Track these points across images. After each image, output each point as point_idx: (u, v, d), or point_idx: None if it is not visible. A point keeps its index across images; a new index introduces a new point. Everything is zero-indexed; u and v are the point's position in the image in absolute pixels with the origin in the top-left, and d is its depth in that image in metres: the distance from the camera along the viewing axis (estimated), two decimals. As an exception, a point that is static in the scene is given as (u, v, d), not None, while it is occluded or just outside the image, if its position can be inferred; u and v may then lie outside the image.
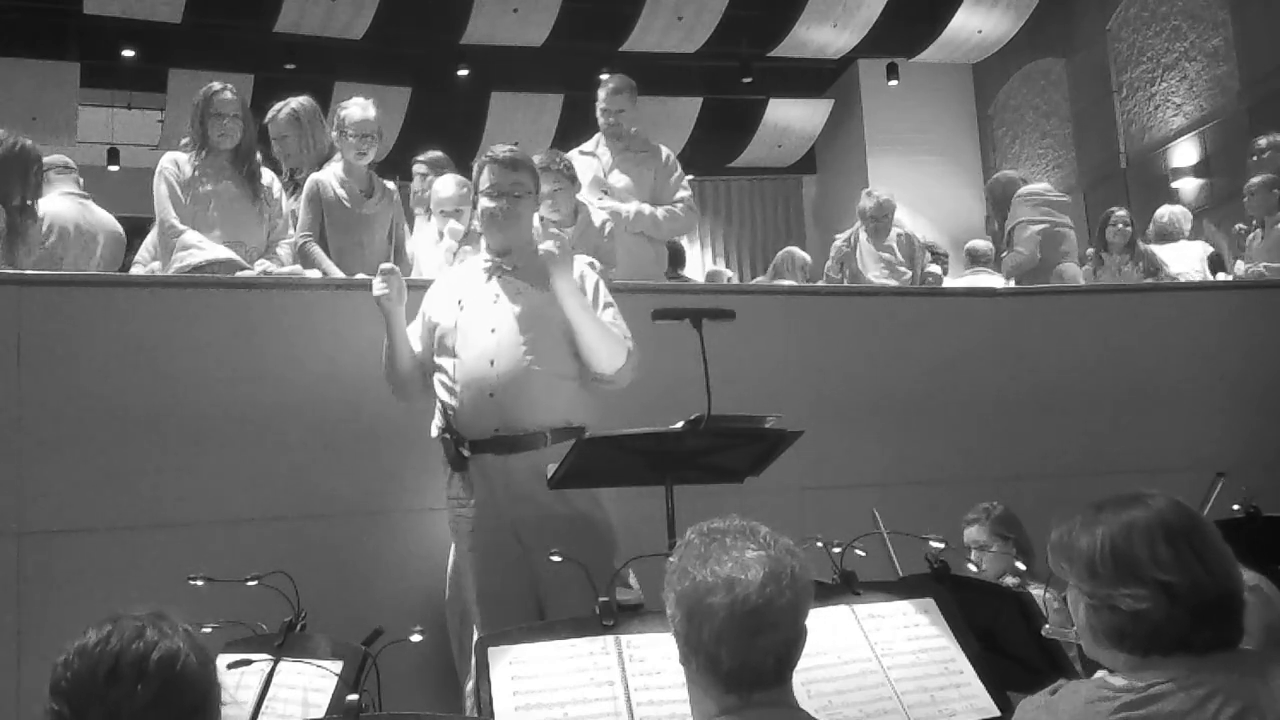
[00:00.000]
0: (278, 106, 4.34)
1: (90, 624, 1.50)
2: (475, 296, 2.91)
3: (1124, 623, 1.51)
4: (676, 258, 6.83)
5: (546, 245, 2.87)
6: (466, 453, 2.78)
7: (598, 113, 4.74)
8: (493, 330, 2.83)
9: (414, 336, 3.00)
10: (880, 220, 5.80)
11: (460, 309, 2.88)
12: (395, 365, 2.94)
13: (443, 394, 2.86)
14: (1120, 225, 5.84)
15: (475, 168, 3.03)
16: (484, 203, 2.91)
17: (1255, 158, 5.62)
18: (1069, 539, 1.59)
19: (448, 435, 2.80)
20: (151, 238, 4.40)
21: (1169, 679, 1.46)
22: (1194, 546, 1.51)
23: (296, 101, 4.35)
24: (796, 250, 6.59)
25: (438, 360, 2.89)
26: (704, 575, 1.55)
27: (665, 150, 4.77)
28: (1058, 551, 1.62)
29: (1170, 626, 1.48)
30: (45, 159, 4.72)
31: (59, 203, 4.41)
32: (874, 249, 5.82)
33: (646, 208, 4.56)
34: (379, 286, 2.88)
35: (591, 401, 2.94)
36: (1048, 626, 2.10)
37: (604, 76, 4.79)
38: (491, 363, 2.79)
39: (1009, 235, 5.75)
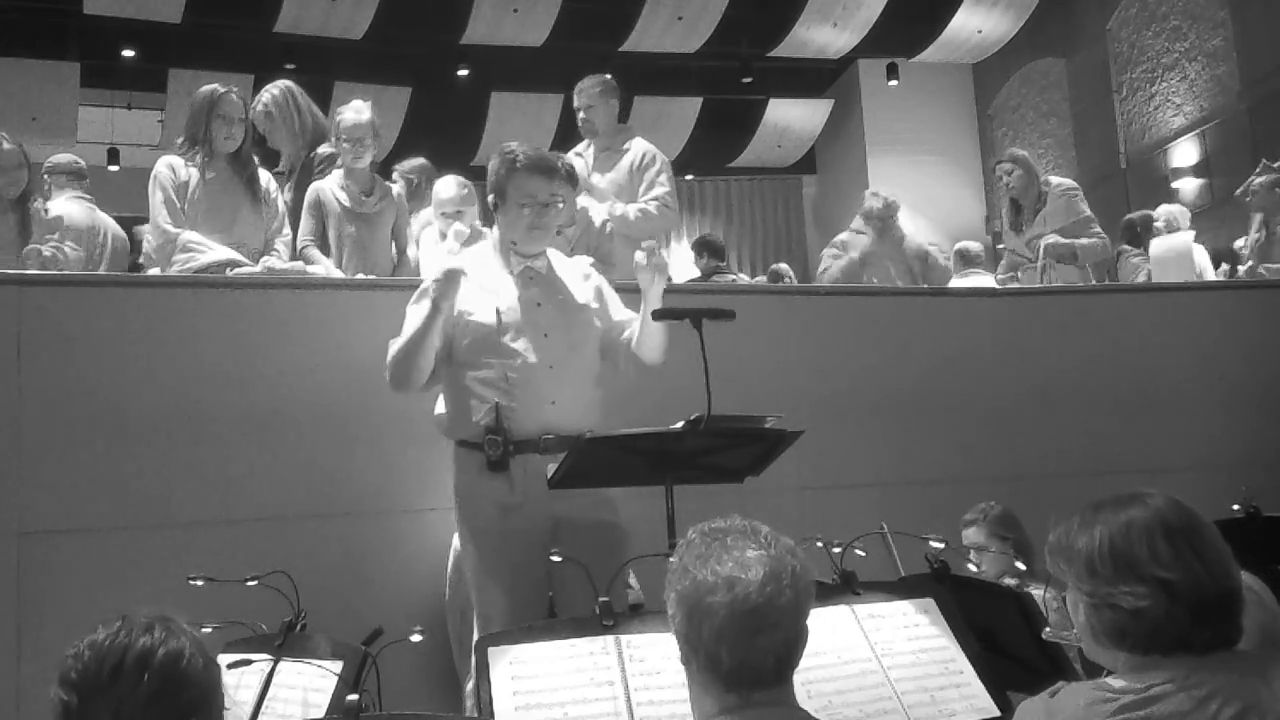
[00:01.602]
0: (253, 104, 4.25)
1: (101, 622, 1.56)
2: (519, 300, 2.88)
3: (1124, 621, 1.51)
4: (716, 251, 6.78)
5: (640, 259, 2.86)
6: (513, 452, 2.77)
7: None
8: (546, 335, 2.85)
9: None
10: (886, 221, 5.75)
11: (503, 310, 2.85)
12: (420, 357, 2.83)
13: (488, 393, 2.79)
14: (1159, 224, 6.03)
15: (500, 168, 2.92)
16: (528, 214, 2.87)
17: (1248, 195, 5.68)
18: (1067, 539, 1.59)
19: (495, 436, 2.76)
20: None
21: (1168, 679, 1.46)
22: (1193, 544, 1.51)
23: (268, 95, 4.31)
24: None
25: (477, 359, 2.83)
26: (704, 574, 1.55)
27: (643, 146, 4.67)
28: (1056, 552, 1.62)
29: (1170, 625, 1.48)
30: (56, 159, 4.80)
31: (69, 205, 4.48)
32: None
33: (619, 206, 4.48)
34: (442, 282, 2.77)
35: (607, 398, 2.98)
36: (1048, 629, 2.09)
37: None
38: (551, 367, 2.82)
39: (1076, 225, 5.48)
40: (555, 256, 3.05)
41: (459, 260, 2.81)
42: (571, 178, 3.97)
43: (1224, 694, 1.43)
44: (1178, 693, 1.44)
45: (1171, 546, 1.50)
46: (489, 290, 2.88)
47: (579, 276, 3.04)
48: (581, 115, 4.67)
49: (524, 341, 2.82)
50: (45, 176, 4.66)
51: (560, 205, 2.97)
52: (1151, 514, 1.54)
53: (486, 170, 3.01)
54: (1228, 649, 1.50)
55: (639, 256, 2.86)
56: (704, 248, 6.83)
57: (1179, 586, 1.48)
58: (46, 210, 3.95)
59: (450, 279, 2.76)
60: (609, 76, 4.74)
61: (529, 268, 2.93)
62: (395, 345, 2.86)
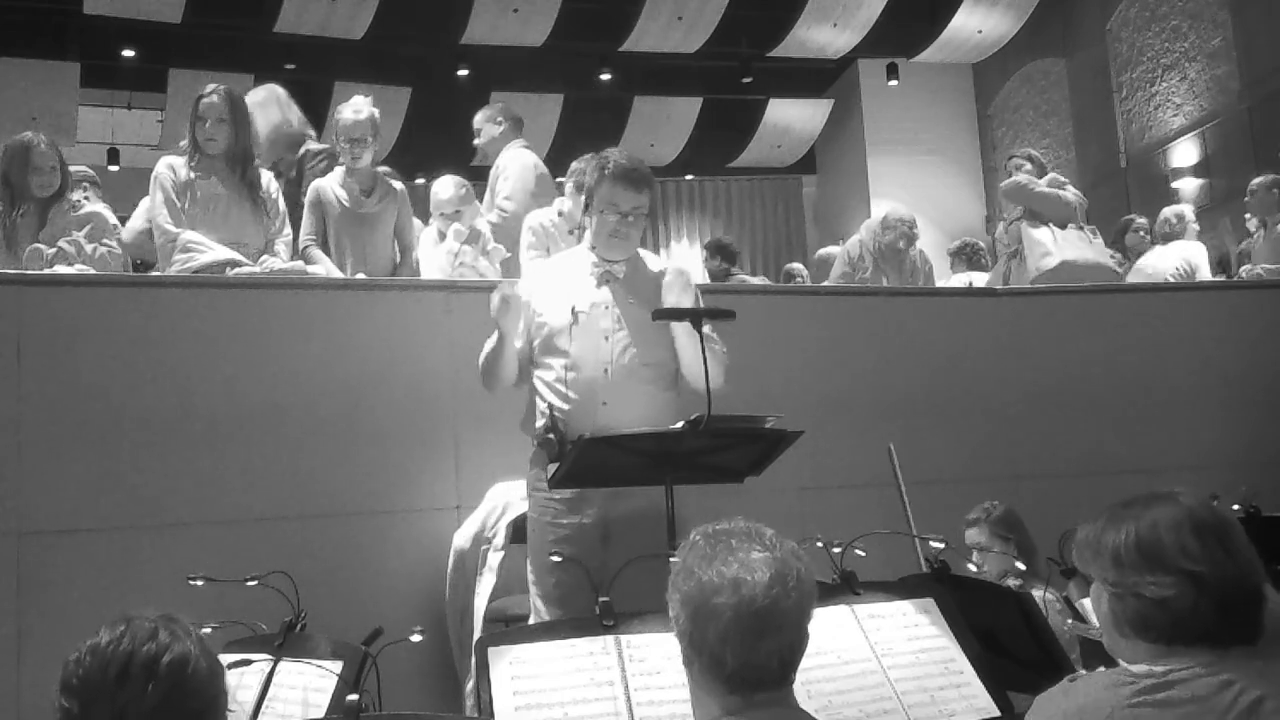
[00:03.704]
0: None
1: (104, 623, 1.51)
2: (588, 301, 2.90)
3: (1148, 610, 1.50)
4: (728, 255, 6.76)
5: (675, 271, 2.92)
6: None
7: None
8: (607, 339, 2.86)
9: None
10: (907, 247, 5.69)
11: (573, 312, 2.87)
12: (500, 367, 2.90)
13: (548, 394, 2.85)
14: (1141, 233, 6.03)
15: (592, 172, 2.94)
16: (610, 221, 2.89)
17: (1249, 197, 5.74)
18: (1096, 535, 1.59)
19: (551, 437, 2.81)
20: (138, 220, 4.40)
21: (1189, 665, 1.46)
22: (1222, 541, 1.51)
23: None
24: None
25: (543, 359, 2.89)
26: (710, 576, 1.55)
27: (503, 158, 4.73)
28: (1084, 548, 1.61)
29: (1195, 618, 1.48)
30: (76, 168, 4.77)
31: (98, 206, 4.46)
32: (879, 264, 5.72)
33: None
34: (497, 307, 2.83)
35: (681, 408, 2.89)
36: (1070, 622, 2.09)
37: None
38: (606, 371, 2.83)
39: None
40: (646, 258, 3.04)
41: (520, 286, 2.89)
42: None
43: (1243, 681, 1.43)
44: (1198, 678, 1.45)
45: (1200, 542, 1.51)
46: (566, 291, 2.91)
47: (663, 281, 2.98)
48: (474, 143, 4.89)
49: (583, 344, 2.85)
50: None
51: (644, 217, 2.94)
52: (1182, 511, 1.54)
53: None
54: (1250, 645, 1.50)
55: (671, 276, 2.90)
56: (717, 251, 6.82)
57: (1208, 579, 1.48)
58: (78, 206, 3.86)
59: (505, 305, 2.81)
60: (499, 104, 4.97)
61: (607, 271, 2.94)
62: (485, 348, 2.93)
